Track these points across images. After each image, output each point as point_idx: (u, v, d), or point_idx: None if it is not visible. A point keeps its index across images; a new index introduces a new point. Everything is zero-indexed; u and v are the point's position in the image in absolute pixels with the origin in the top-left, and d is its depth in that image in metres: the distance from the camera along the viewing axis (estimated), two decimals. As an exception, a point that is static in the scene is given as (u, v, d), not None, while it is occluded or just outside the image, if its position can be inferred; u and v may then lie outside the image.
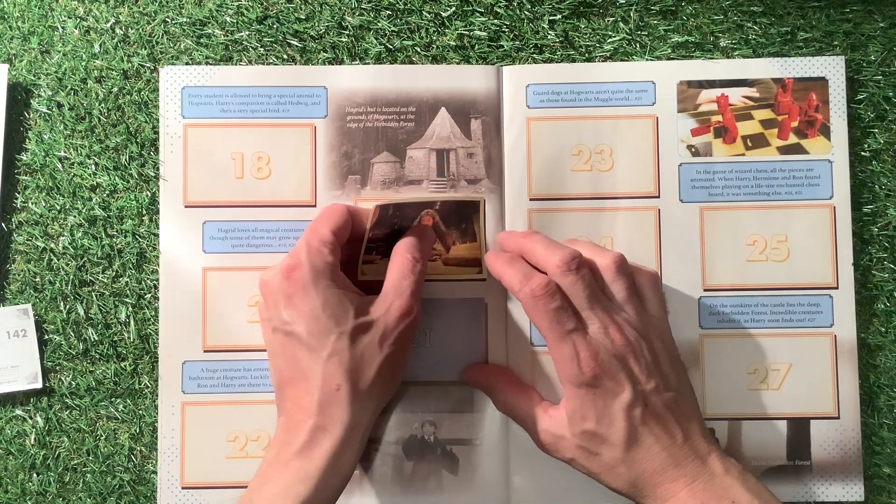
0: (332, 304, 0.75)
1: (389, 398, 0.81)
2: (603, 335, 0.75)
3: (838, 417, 0.85)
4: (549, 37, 0.88)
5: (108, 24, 0.88)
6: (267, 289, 0.77)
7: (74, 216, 0.86)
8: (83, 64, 0.87)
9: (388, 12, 0.88)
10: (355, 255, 0.81)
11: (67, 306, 0.86)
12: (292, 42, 0.88)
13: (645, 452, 0.74)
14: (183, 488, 0.84)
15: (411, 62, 0.88)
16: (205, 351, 0.85)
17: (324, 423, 0.73)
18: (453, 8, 0.88)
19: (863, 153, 0.87)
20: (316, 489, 0.71)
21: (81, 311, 0.86)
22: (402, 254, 0.79)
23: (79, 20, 0.88)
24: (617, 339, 0.75)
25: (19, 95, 0.87)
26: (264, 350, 0.82)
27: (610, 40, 0.88)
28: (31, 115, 0.87)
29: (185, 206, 0.85)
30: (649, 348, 0.76)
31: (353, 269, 0.82)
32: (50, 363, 0.85)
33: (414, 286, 0.78)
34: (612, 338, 0.75)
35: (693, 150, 0.86)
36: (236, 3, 0.88)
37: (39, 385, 0.85)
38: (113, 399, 0.86)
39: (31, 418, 0.85)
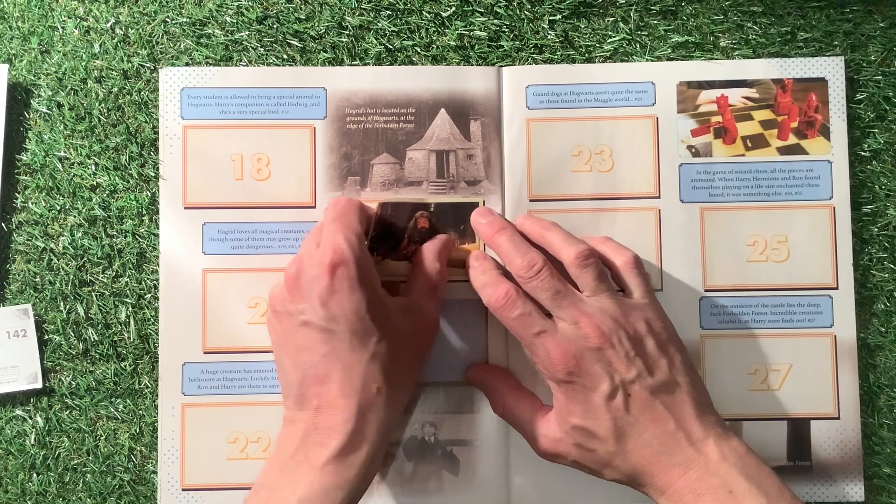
0: (376, 306, 0.74)
1: (406, 404, 0.81)
2: (574, 330, 0.75)
3: (838, 418, 0.85)
4: (549, 37, 0.88)
5: (108, 24, 0.88)
6: (300, 282, 0.75)
7: (74, 216, 0.86)
8: (83, 64, 0.87)
9: (388, 12, 0.88)
10: None
11: (67, 306, 0.86)
12: (292, 42, 0.88)
13: (635, 443, 0.74)
14: (183, 490, 0.84)
15: (411, 62, 0.88)
16: (205, 352, 0.85)
17: (362, 427, 0.72)
18: (453, 8, 0.88)
19: (862, 153, 0.87)
20: (351, 495, 0.71)
21: (81, 311, 0.86)
22: (432, 262, 0.81)
23: (79, 20, 0.88)
24: (590, 331, 0.74)
25: (19, 95, 0.87)
26: (264, 351, 0.83)
27: (610, 40, 0.88)
28: (31, 115, 0.87)
29: (185, 208, 0.85)
30: (629, 335, 0.75)
31: None
32: (50, 363, 0.85)
33: (439, 298, 0.81)
34: (585, 330, 0.75)
35: (693, 150, 0.86)
36: (236, 3, 0.88)
37: (39, 385, 0.85)
38: (113, 399, 0.86)
39: (31, 418, 0.85)
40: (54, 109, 0.87)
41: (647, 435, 0.74)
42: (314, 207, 0.85)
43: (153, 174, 0.86)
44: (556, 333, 0.76)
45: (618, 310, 0.76)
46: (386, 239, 0.83)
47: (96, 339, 0.86)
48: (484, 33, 0.88)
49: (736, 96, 0.87)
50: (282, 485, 0.72)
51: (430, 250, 0.81)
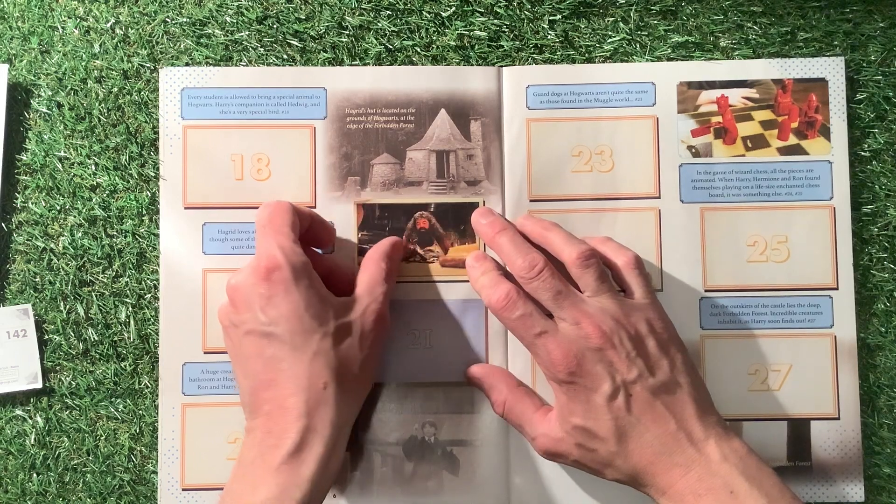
0: (315, 304, 0.75)
1: (362, 403, 0.81)
2: (576, 331, 0.75)
3: (838, 418, 0.85)
4: (549, 37, 0.88)
5: (108, 24, 0.87)
6: (238, 292, 0.75)
7: (74, 216, 0.86)
8: (83, 64, 0.87)
9: (388, 12, 0.88)
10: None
11: (67, 306, 0.86)
12: (292, 42, 0.88)
13: (636, 443, 0.74)
14: (183, 490, 0.84)
15: (411, 62, 0.88)
16: (205, 353, 0.85)
17: (314, 424, 0.72)
18: (453, 8, 0.88)
19: (862, 153, 0.87)
20: (310, 493, 0.71)
21: (81, 311, 0.86)
22: (377, 261, 0.81)
23: (79, 20, 0.88)
24: (591, 332, 0.75)
25: (19, 95, 0.87)
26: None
27: (610, 40, 0.88)
28: (31, 115, 0.87)
29: (185, 208, 0.85)
30: (630, 335, 0.76)
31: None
32: (50, 363, 0.85)
33: (385, 294, 0.80)
34: (586, 331, 0.75)
35: (693, 150, 0.86)
36: (236, 3, 0.88)
37: (39, 385, 0.85)
38: (113, 399, 0.86)
39: (31, 418, 0.85)
40: (54, 109, 0.87)
41: (649, 435, 0.74)
42: (314, 207, 0.85)
43: (153, 174, 0.86)
44: (558, 334, 0.76)
45: (619, 310, 0.77)
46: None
47: (96, 339, 0.86)
48: (484, 33, 0.88)
49: (736, 96, 0.87)
50: (242, 490, 0.72)
51: (376, 249, 0.82)
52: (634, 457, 0.74)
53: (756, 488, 0.71)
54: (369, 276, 0.80)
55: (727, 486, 0.71)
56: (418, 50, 0.88)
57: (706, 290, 0.86)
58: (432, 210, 0.85)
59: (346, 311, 0.77)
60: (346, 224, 0.86)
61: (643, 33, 0.88)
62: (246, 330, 0.75)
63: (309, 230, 0.82)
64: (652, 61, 0.88)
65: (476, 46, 0.88)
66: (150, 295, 0.86)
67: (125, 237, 0.86)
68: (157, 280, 0.85)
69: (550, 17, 0.88)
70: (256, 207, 0.83)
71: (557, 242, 0.80)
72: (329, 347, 0.74)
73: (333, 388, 0.74)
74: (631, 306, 0.78)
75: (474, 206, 0.84)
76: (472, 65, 0.87)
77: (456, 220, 0.85)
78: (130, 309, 0.86)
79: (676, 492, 0.73)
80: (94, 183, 0.86)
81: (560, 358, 0.75)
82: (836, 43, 0.88)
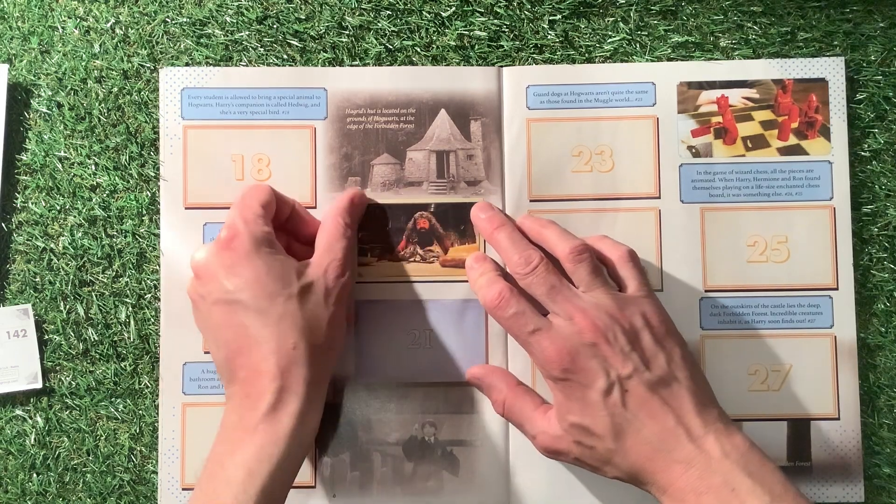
0: (276, 268, 0.76)
1: (337, 359, 0.81)
2: (569, 326, 0.75)
3: (838, 418, 0.85)
4: (549, 37, 0.88)
5: (108, 24, 0.88)
6: (202, 264, 0.77)
7: (74, 216, 0.86)
8: (83, 64, 0.87)
9: (388, 12, 0.88)
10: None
11: (67, 306, 0.86)
12: (292, 42, 0.88)
13: (634, 440, 0.73)
14: (183, 489, 0.84)
15: (411, 62, 0.88)
16: (205, 352, 0.85)
17: (287, 383, 0.73)
18: (453, 8, 0.88)
19: (862, 153, 0.87)
20: (288, 450, 0.72)
21: (81, 311, 0.86)
22: (334, 217, 0.81)
23: (79, 20, 0.88)
24: (584, 327, 0.74)
25: (19, 95, 0.87)
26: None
27: (610, 40, 0.88)
28: (31, 115, 0.87)
29: (186, 208, 0.86)
30: (625, 329, 0.75)
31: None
32: (50, 363, 0.85)
33: (345, 250, 0.80)
34: (579, 325, 0.75)
35: (693, 150, 0.86)
36: (236, 3, 0.88)
37: (39, 385, 0.85)
38: (113, 399, 0.86)
39: (31, 418, 0.85)
40: (54, 109, 0.87)
41: (646, 431, 0.73)
42: (315, 208, 0.85)
43: (153, 174, 0.86)
44: (551, 331, 0.76)
45: (613, 304, 0.76)
46: (381, 241, 0.84)
47: (96, 339, 0.86)
48: (484, 33, 0.88)
49: (736, 96, 0.87)
50: (221, 453, 0.73)
51: (333, 206, 0.83)
52: (633, 454, 0.73)
53: (759, 485, 0.70)
54: (327, 233, 0.80)
55: (728, 484, 0.70)
56: (418, 50, 0.88)
57: (706, 290, 0.86)
58: (432, 210, 0.85)
59: (305, 272, 0.77)
60: (346, 224, 0.86)
61: (643, 33, 0.88)
62: (213, 300, 0.76)
63: (289, 220, 0.83)
64: (652, 61, 0.88)
65: (476, 46, 0.88)
66: (150, 295, 0.86)
67: (125, 237, 0.86)
68: (157, 280, 0.85)
69: (550, 17, 0.88)
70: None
71: (552, 238, 0.81)
72: (295, 308, 0.75)
73: (303, 347, 0.74)
74: (625, 300, 0.77)
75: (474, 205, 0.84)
76: (472, 65, 0.87)
77: (456, 221, 0.85)
78: (130, 309, 0.86)
79: (677, 490, 0.72)
80: (94, 183, 0.86)
81: (554, 355, 0.75)
82: (836, 43, 0.88)
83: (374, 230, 0.86)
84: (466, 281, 0.83)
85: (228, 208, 0.83)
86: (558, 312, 0.76)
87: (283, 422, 0.72)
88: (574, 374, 0.74)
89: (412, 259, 0.86)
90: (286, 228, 0.82)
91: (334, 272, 0.78)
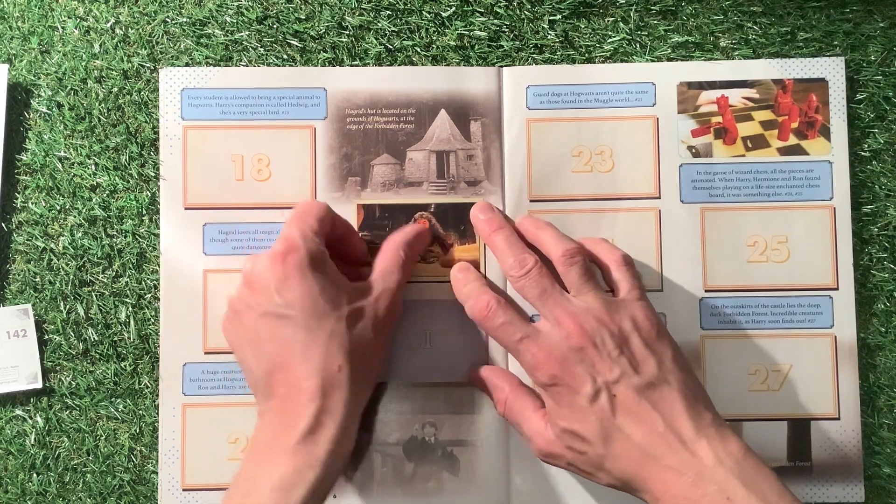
0: (329, 288, 0.75)
1: (373, 388, 0.81)
2: (557, 331, 0.75)
3: (838, 418, 0.85)
4: (549, 37, 0.88)
5: (108, 24, 0.88)
6: (254, 275, 0.76)
7: (74, 216, 0.86)
8: (83, 64, 0.87)
9: (388, 12, 0.88)
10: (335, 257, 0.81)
11: (67, 306, 0.86)
12: (292, 42, 0.88)
13: (623, 445, 0.72)
14: (184, 490, 0.84)
15: (411, 62, 0.88)
16: (205, 353, 0.85)
17: (328, 406, 0.72)
18: (453, 8, 0.88)
19: (862, 153, 0.87)
20: (324, 474, 0.71)
21: (81, 311, 0.86)
22: (395, 249, 0.81)
23: (79, 20, 0.88)
24: (572, 331, 0.74)
25: (19, 95, 0.87)
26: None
27: (610, 40, 0.88)
28: (31, 115, 0.87)
29: (186, 208, 0.86)
30: (613, 334, 0.74)
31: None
32: (50, 363, 0.85)
33: (399, 282, 0.80)
34: (567, 330, 0.75)
35: (693, 150, 0.86)
36: (236, 3, 0.88)
37: (39, 385, 0.85)
38: (113, 399, 0.86)
39: (31, 418, 0.85)
40: (54, 109, 0.87)
41: (635, 436, 0.72)
42: (314, 208, 0.86)
43: (153, 174, 0.86)
44: (539, 337, 0.76)
45: (602, 308, 0.76)
46: (382, 240, 0.84)
47: (96, 339, 0.86)
48: (484, 33, 0.88)
49: (736, 97, 0.87)
50: (256, 473, 0.72)
51: (397, 235, 0.82)
52: (623, 459, 0.73)
53: (754, 493, 0.69)
54: (385, 262, 0.80)
55: (723, 492, 0.69)
56: (418, 50, 0.88)
57: (706, 291, 0.86)
58: (432, 210, 0.85)
59: (359, 295, 0.77)
60: (346, 225, 0.86)
61: (643, 33, 0.88)
62: (261, 312, 0.75)
63: (342, 241, 0.82)
64: (652, 61, 0.88)
65: (476, 46, 0.88)
66: (150, 295, 0.86)
67: (125, 237, 0.86)
68: (157, 280, 0.85)
69: (550, 17, 0.88)
70: (257, 208, 0.83)
71: (547, 241, 0.81)
72: (343, 330, 0.74)
73: (347, 370, 0.74)
74: (615, 304, 0.77)
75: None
76: (472, 65, 0.87)
77: (456, 221, 0.85)
78: (130, 309, 0.86)
79: (671, 498, 0.71)
80: (94, 183, 0.86)
81: (542, 361, 0.75)
82: (836, 43, 0.88)
83: (374, 231, 0.86)
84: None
85: (228, 209, 0.84)
86: (547, 317, 0.77)
87: (320, 445, 0.72)
88: (562, 379, 0.74)
89: (412, 259, 0.86)
90: (335, 248, 0.81)
91: (385, 301, 0.78)
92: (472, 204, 0.84)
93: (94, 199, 0.86)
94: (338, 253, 0.81)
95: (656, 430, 0.72)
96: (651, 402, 0.73)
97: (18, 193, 0.86)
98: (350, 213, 0.86)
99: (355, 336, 0.75)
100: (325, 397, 0.73)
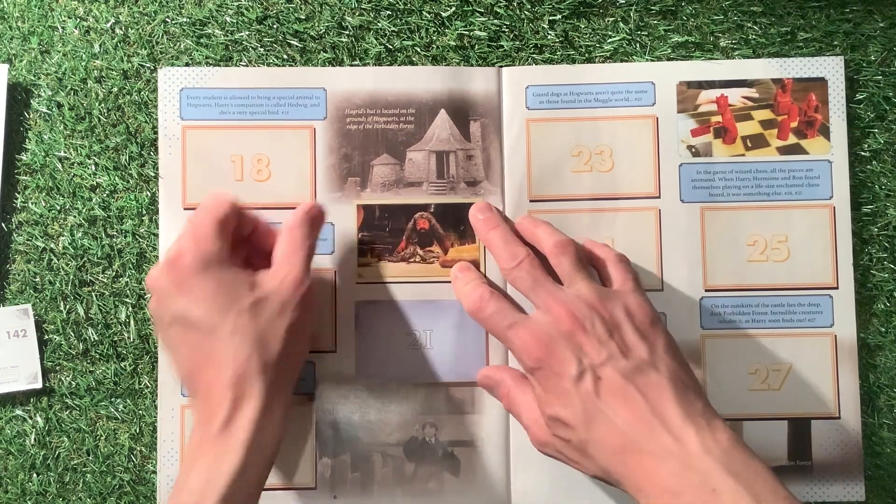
0: (227, 282, 0.75)
1: (300, 368, 0.80)
2: (547, 316, 0.75)
3: (839, 417, 0.85)
4: (549, 37, 0.88)
5: (108, 24, 0.88)
6: (155, 284, 0.76)
7: (74, 216, 0.86)
8: (83, 64, 0.87)
9: (388, 12, 0.88)
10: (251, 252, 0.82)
11: (67, 306, 0.86)
12: (292, 42, 0.88)
13: (605, 429, 0.70)
14: (183, 490, 0.84)
15: (411, 62, 0.88)
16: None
17: (241, 392, 0.73)
18: (453, 8, 0.88)
19: (862, 153, 0.87)
20: (246, 458, 0.71)
21: (81, 311, 0.86)
22: (290, 229, 0.79)
23: (79, 20, 0.88)
24: (561, 316, 0.74)
25: (19, 95, 0.87)
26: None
27: (610, 40, 0.88)
28: (31, 115, 0.87)
29: (185, 208, 0.86)
30: (604, 319, 0.74)
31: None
32: (50, 363, 0.85)
33: (305, 259, 0.78)
34: (556, 315, 0.74)
35: (693, 150, 0.86)
36: (236, 3, 0.88)
37: (39, 385, 0.85)
38: (113, 399, 0.86)
39: (31, 418, 0.85)
40: (54, 109, 0.87)
41: (618, 420, 0.70)
42: (314, 208, 0.86)
43: (153, 174, 0.86)
44: (528, 323, 0.76)
45: (594, 295, 0.75)
46: (381, 242, 0.84)
47: (96, 339, 0.86)
48: (484, 33, 0.88)
49: (736, 96, 0.87)
50: (186, 468, 0.73)
51: (290, 218, 0.80)
52: (606, 446, 0.70)
53: (742, 486, 0.65)
54: (284, 245, 0.79)
55: (708, 483, 0.66)
56: (418, 50, 0.88)
57: (706, 290, 0.86)
58: (432, 211, 0.85)
59: (263, 283, 0.76)
60: (346, 225, 0.86)
61: (643, 33, 0.88)
62: (168, 320, 0.75)
63: (252, 234, 0.82)
64: (652, 61, 0.88)
65: (476, 46, 0.88)
66: (149, 295, 0.86)
67: (125, 237, 0.86)
68: (157, 280, 0.86)
69: (550, 17, 0.88)
70: (257, 208, 0.83)
71: (542, 235, 0.81)
72: (247, 321, 0.74)
73: (257, 359, 0.74)
74: (608, 293, 0.77)
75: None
76: (472, 65, 0.87)
77: (456, 221, 0.85)
78: (130, 309, 0.86)
79: (653, 488, 0.68)
80: (94, 183, 0.86)
81: (529, 344, 0.74)
82: (836, 43, 0.88)
83: (373, 231, 0.86)
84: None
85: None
86: (539, 305, 0.76)
87: (238, 431, 0.72)
88: (547, 362, 0.74)
89: (412, 260, 0.86)
90: (250, 242, 0.81)
91: (292, 283, 0.77)
92: (471, 204, 0.84)
93: (94, 199, 0.86)
94: (256, 246, 0.81)
95: (640, 415, 0.70)
96: (638, 386, 0.71)
97: (18, 193, 0.86)
98: (350, 214, 0.86)
99: (261, 324, 0.75)
100: (239, 386, 0.73)
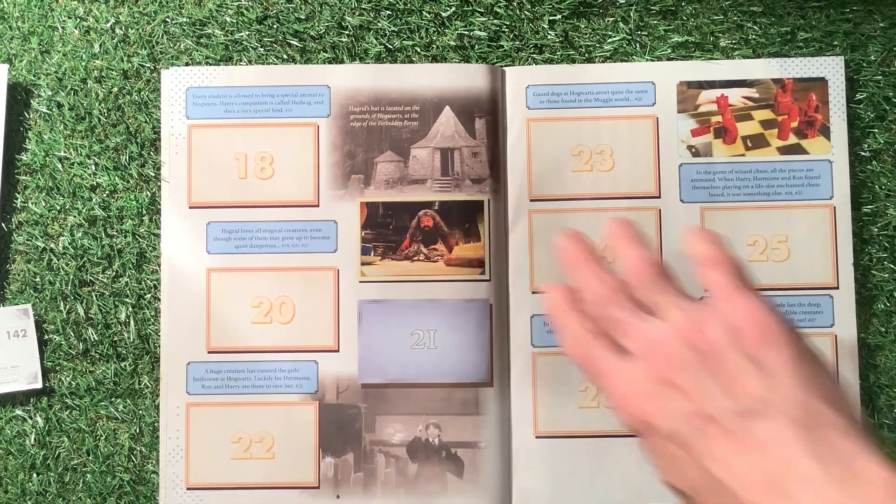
0: None
1: None
2: (637, 365, 0.59)
3: (839, 417, 0.85)
4: (549, 37, 0.88)
5: (108, 24, 0.87)
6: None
7: (74, 216, 0.86)
8: (83, 64, 0.87)
9: (388, 12, 0.88)
10: None
11: (67, 306, 0.86)
12: (292, 42, 0.88)
13: (726, 500, 0.54)
14: (188, 489, 0.84)
15: (411, 62, 0.88)
16: (209, 352, 0.85)
17: None
18: (453, 8, 0.88)
19: (862, 153, 0.87)
20: None
21: (81, 311, 0.86)
22: None
23: (79, 20, 0.88)
24: (653, 363, 0.59)
25: (19, 95, 0.87)
26: (267, 351, 0.84)
27: (610, 40, 0.88)
28: (31, 115, 0.87)
29: (190, 207, 0.85)
30: (702, 353, 0.57)
31: None
32: (50, 363, 0.85)
33: None
34: (647, 363, 0.59)
35: (693, 150, 0.87)
36: (236, 3, 0.88)
37: (39, 385, 0.85)
38: (113, 399, 0.85)
39: (31, 418, 0.85)
40: (54, 109, 0.87)
41: (736, 487, 0.53)
42: (318, 206, 0.86)
43: (153, 174, 0.86)
44: (621, 373, 0.60)
45: (687, 323, 0.59)
46: (384, 240, 0.84)
47: (96, 339, 0.86)
48: (484, 33, 0.88)
49: (736, 96, 0.87)
50: None
51: None
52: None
53: None
54: None
55: None
56: (418, 50, 0.88)
57: (706, 290, 0.86)
58: (436, 208, 0.85)
59: None
60: (349, 222, 0.86)
61: (643, 33, 0.88)
62: None
63: None
64: (652, 61, 0.88)
65: (476, 46, 0.88)
66: (150, 295, 0.86)
67: (125, 237, 0.86)
68: (157, 280, 0.85)
69: (550, 17, 0.88)
70: (260, 206, 0.83)
71: (625, 251, 0.64)
72: None
73: None
74: (703, 313, 0.59)
75: (479, 204, 0.84)
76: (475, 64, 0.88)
77: (460, 219, 0.85)
78: (130, 309, 0.86)
79: None
80: (94, 183, 0.86)
81: (622, 403, 0.60)
82: (836, 43, 0.88)
83: (377, 229, 0.85)
84: (471, 280, 0.83)
85: (232, 207, 0.84)
86: (628, 347, 0.60)
87: None
88: (647, 422, 0.58)
89: (416, 258, 0.85)
90: None
91: None
92: (476, 201, 0.84)
93: (94, 199, 0.86)
94: None
95: (758, 479, 0.53)
96: (753, 436, 0.54)
97: (18, 193, 0.86)
98: (353, 211, 0.86)
99: None
100: None
